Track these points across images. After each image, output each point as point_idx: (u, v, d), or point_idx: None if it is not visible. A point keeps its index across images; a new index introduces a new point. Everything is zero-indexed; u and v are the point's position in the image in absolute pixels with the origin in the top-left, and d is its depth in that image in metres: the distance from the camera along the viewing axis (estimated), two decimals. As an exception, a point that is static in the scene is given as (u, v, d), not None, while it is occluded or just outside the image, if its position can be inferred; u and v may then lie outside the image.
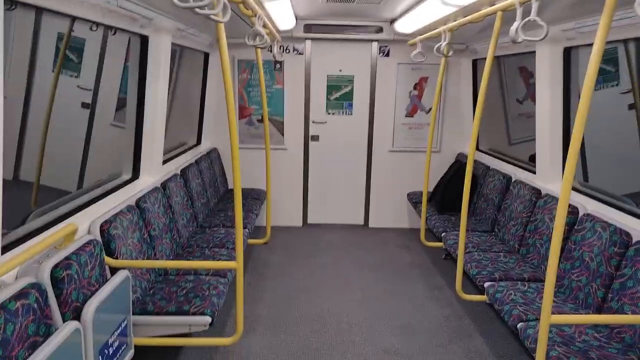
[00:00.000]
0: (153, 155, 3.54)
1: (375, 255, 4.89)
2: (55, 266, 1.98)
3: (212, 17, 1.89)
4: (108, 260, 2.51)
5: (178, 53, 4.62)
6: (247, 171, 5.19)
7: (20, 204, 2.54)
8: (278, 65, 5.35)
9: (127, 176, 3.43)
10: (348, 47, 5.37)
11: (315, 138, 5.59)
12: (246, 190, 5.25)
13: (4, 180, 1.78)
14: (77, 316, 2.01)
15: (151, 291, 2.89)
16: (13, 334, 1.64)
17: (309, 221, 5.79)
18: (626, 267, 2.54)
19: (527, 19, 2.27)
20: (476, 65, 5.23)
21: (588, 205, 3.13)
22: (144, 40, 3.27)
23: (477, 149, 5.19)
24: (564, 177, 1.98)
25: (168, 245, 3.37)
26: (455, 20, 3.55)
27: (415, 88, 5.47)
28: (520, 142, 5.30)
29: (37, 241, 2.04)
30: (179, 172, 4.04)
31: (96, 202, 2.84)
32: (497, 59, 4.79)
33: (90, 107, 3.41)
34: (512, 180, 4.11)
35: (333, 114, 5.54)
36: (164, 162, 3.83)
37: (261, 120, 5.37)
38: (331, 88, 5.48)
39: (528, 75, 5.26)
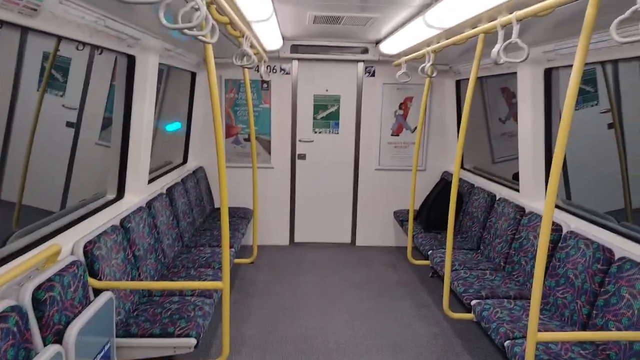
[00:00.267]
0: (139, 174, 3.52)
1: (362, 273, 4.88)
2: (37, 288, 1.94)
3: (201, 38, 1.90)
4: (91, 281, 2.47)
5: (165, 72, 4.63)
6: (234, 190, 5.17)
7: (2, 225, 2.49)
8: (265, 85, 5.39)
9: (111, 196, 3.40)
10: (334, 67, 5.44)
11: (302, 157, 5.61)
12: (233, 209, 5.22)
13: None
14: (59, 339, 1.96)
15: (135, 313, 2.84)
16: (-9, 358, 1.59)
17: (295, 240, 5.77)
18: (609, 284, 2.57)
19: (508, 41, 2.33)
20: (460, 86, 5.33)
21: (571, 223, 3.17)
22: (131, 60, 3.27)
23: (462, 167, 5.25)
24: (547, 196, 2.01)
25: (153, 265, 3.32)
26: (438, 42, 3.62)
27: (400, 107, 5.54)
28: (503, 161, 5.39)
29: (19, 263, 2.00)
30: (164, 191, 4.01)
31: (80, 222, 2.80)
32: (479, 79, 4.89)
33: (75, 126, 3.39)
34: (497, 198, 4.15)
35: (320, 132, 5.58)
36: (150, 181, 3.80)
37: (248, 139, 5.38)
38: (318, 107, 5.52)
39: (510, 95, 5.38)
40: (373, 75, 5.46)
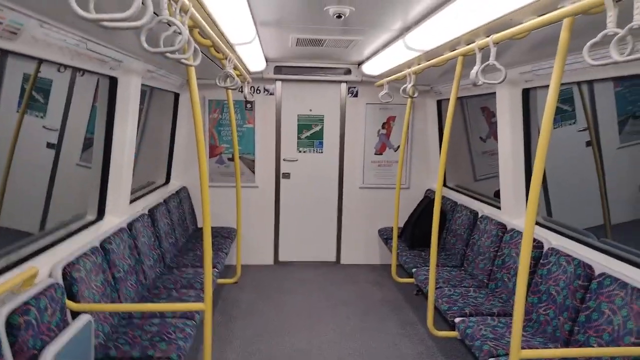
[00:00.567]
0: (120, 195, 3.48)
1: (347, 292, 4.85)
2: (12, 312, 1.89)
3: (183, 61, 1.91)
4: (69, 304, 2.41)
5: (148, 92, 4.62)
6: (217, 209, 5.14)
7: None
8: (249, 105, 5.41)
9: (92, 217, 3.35)
10: (318, 87, 5.49)
11: (287, 176, 5.61)
12: (216, 228, 5.18)
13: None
14: (34, 365, 1.91)
15: (114, 335, 2.77)
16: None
17: (280, 259, 5.73)
18: (590, 300, 2.60)
19: (486, 63, 2.38)
20: (441, 105, 5.42)
21: (552, 240, 3.21)
22: (113, 82, 3.26)
23: (445, 185, 5.30)
24: (527, 213, 2.04)
25: (133, 287, 3.26)
26: (419, 64, 3.69)
27: (383, 127, 5.60)
28: (485, 178, 5.47)
29: (-7, 286, 1.95)
30: (146, 212, 3.97)
31: (59, 244, 2.75)
32: (460, 99, 4.99)
33: (56, 147, 3.36)
34: (479, 216, 4.20)
35: (304, 152, 5.60)
36: (132, 201, 3.76)
37: (232, 159, 5.37)
38: (302, 127, 5.56)
39: (490, 115, 5.49)
40: (356, 95, 5.52)
